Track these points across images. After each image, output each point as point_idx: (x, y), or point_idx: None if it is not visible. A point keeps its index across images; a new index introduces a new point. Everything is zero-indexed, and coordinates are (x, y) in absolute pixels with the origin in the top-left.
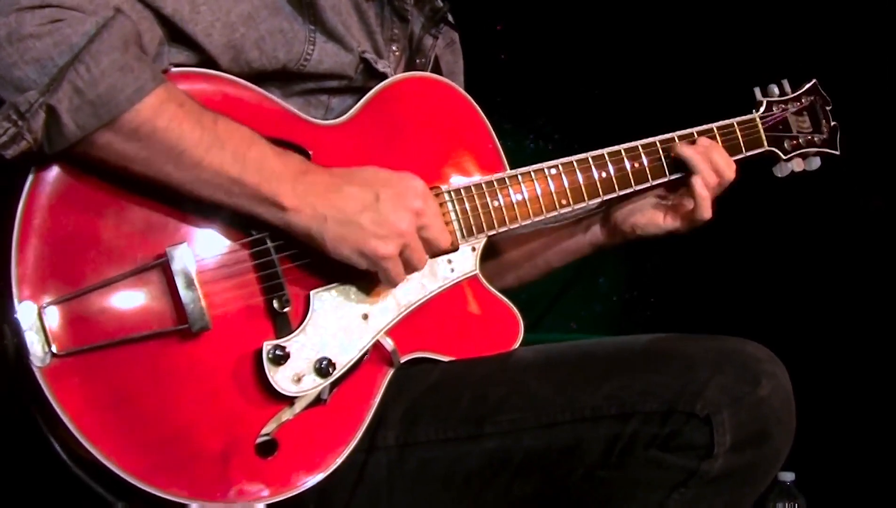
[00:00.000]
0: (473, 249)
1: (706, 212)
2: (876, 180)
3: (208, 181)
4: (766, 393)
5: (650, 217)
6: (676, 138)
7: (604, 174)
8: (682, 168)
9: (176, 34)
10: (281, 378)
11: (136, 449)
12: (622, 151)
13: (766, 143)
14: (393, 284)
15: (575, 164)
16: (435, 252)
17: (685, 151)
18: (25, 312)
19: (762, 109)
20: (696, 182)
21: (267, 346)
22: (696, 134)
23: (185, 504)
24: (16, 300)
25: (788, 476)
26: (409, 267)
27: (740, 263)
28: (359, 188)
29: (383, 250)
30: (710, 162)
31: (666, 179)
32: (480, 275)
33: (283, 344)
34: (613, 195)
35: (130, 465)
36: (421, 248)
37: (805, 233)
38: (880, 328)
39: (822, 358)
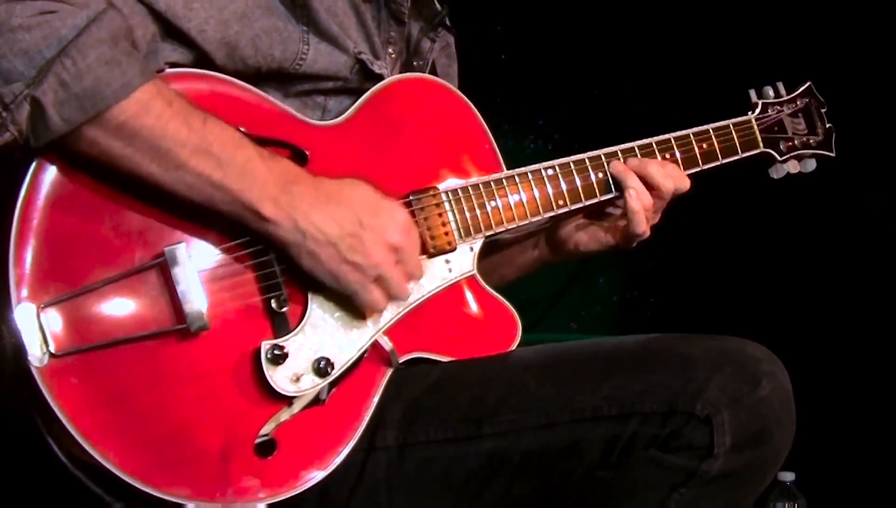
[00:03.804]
0: (471, 249)
1: (639, 226)
2: (874, 180)
3: (191, 185)
4: (765, 393)
5: (592, 234)
6: (623, 152)
7: (600, 175)
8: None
9: (169, 30)
10: (280, 378)
11: (135, 449)
12: (619, 153)
13: (761, 144)
14: (371, 309)
15: (572, 165)
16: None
17: (616, 168)
18: (23, 312)
19: (758, 111)
20: (629, 196)
21: (265, 346)
22: (636, 148)
23: (183, 505)
24: (13, 301)
25: (788, 476)
26: (390, 296)
27: (740, 263)
28: (344, 211)
29: (353, 277)
30: (643, 177)
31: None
32: (478, 275)
33: (281, 344)
34: (610, 196)
35: (129, 465)
36: (399, 279)
37: (804, 233)
38: (880, 327)
39: (822, 358)
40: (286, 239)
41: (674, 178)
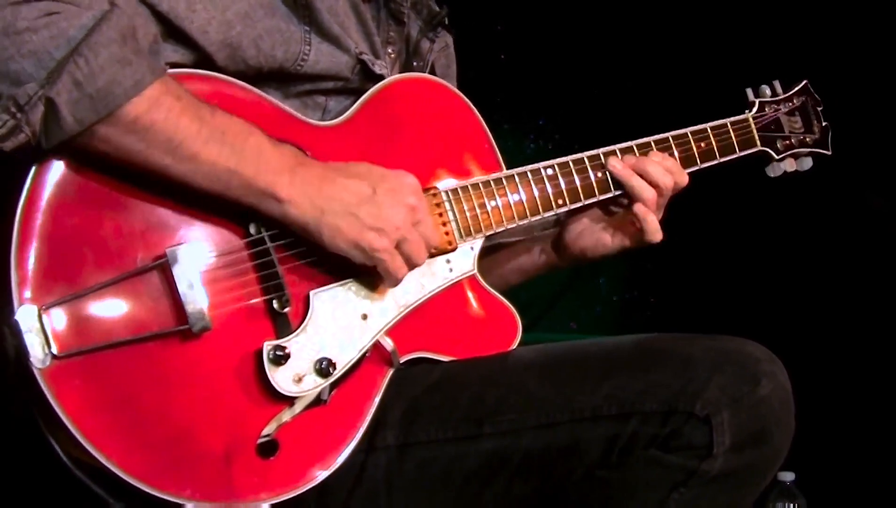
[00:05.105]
0: (472, 248)
1: (654, 234)
2: (876, 180)
3: (206, 174)
4: (765, 393)
5: (597, 239)
6: (622, 151)
7: (599, 174)
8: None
9: (172, 31)
10: (281, 379)
11: (137, 451)
12: (617, 152)
13: (759, 143)
14: (393, 279)
15: (571, 164)
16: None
17: (615, 169)
18: (25, 314)
19: (755, 110)
20: (637, 205)
21: (267, 346)
22: (652, 144)
23: (185, 505)
24: (15, 302)
25: (788, 476)
26: (409, 262)
27: (740, 263)
28: (355, 181)
29: (379, 243)
30: (643, 176)
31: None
32: (478, 275)
33: (283, 344)
34: (609, 195)
35: (131, 466)
36: (420, 241)
37: (805, 233)
38: (880, 327)
39: (822, 358)
40: (304, 218)
41: (673, 173)
